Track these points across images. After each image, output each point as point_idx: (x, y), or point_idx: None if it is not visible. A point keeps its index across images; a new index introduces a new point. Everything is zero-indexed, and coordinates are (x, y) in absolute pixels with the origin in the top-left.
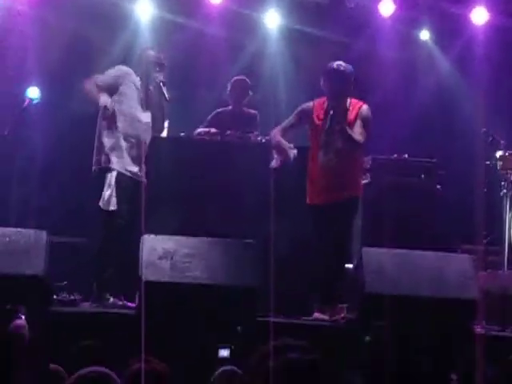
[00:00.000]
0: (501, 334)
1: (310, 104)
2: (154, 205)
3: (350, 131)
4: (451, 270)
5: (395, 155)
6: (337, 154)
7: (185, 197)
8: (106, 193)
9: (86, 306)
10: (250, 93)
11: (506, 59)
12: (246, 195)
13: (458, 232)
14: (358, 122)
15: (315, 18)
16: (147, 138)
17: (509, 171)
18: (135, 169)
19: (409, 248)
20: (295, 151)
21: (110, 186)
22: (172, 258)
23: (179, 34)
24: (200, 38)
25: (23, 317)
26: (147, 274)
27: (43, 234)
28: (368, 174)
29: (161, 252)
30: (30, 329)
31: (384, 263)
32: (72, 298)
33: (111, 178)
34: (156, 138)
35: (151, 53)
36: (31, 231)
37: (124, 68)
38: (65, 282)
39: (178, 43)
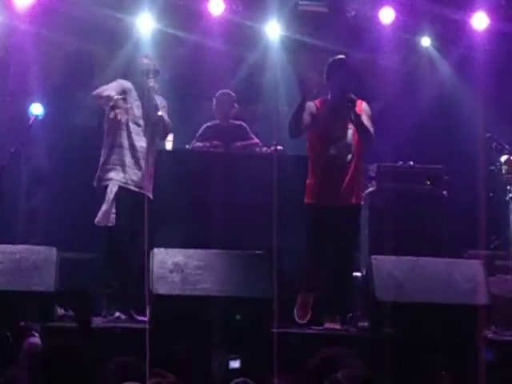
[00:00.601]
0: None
1: (311, 103)
2: (160, 218)
3: (365, 122)
4: (461, 275)
5: (400, 162)
6: (349, 148)
7: (190, 209)
8: (102, 209)
9: (97, 322)
10: (236, 105)
11: (508, 64)
12: (251, 206)
13: (465, 237)
14: (365, 117)
15: (315, 28)
16: (152, 152)
17: None
18: (139, 183)
19: (416, 255)
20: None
21: (107, 201)
22: (182, 271)
23: (180, 48)
24: (201, 50)
25: (37, 334)
26: (158, 288)
27: (53, 251)
28: (374, 182)
29: (171, 265)
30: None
31: (394, 271)
32: None
33: (110, 193)
34: (160, 151)
35: (144, 60)
36: (41, 248)
37: (125, 83)
38: None
39: (179, 56)
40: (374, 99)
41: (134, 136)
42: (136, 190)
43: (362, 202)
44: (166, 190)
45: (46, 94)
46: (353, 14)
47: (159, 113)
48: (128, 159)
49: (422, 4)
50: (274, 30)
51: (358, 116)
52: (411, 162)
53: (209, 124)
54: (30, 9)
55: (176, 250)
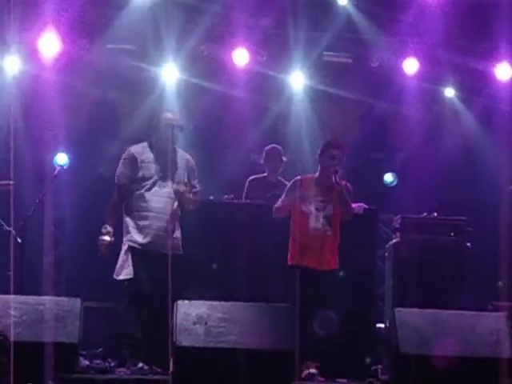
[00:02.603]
0: None
1: (298, 177)
2: (186, 269)
3: (346, 194)
4: (484, 328)
5: (425, 213)
6: (328, 220)
7: (216, 261)
8: (118, 263)
9: (121, 373)
10: (284, 159)
11: None
12: (278, 258)
13: (489, 289)
14: None
15: (340, 78)
16: (169, 207)
17: None
18: (152, 241)
19: (440, 306)
20: None
21: (121, 257)
22: (206, 323)
23: (205, 97)
24: (226, 100)
25: None
26: (181, 340)
27: (77, 302)
28: (398, 233)
29: (195, 317)
30: None
31: (417, 323)
32: (106, 364)
33: (122, 250)
34: None
35: (168, 115)
36: (65, 299)
37: (132, 150)
38: (100, 349)
39: (203, 106)
40: (398, 149)
41: (141, 198)
42: (147, 248)
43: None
44: (192, 242)
45: (71, 143)
46: (377, 64)
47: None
48: (134, 222)
49: (445, 55)
50: (298, 80)
51: (342, 191)
52: (435, 214)
53: (252, 177)
54: (57, 59)
55: (200, 302)
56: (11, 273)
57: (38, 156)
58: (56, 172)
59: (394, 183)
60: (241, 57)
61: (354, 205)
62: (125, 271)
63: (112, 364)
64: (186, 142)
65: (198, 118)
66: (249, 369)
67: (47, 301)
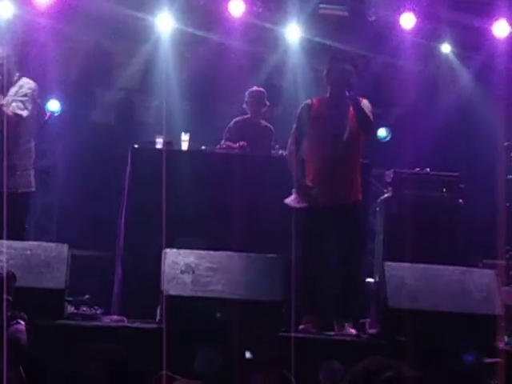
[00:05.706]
0: None
1: (308, 101)
2: (174, 218)
3: (363, 107)
4: (474, 284)
5: (417, 169)
6: (347, 147)
7: (205, 210)
8: None
9: (107, 320)
10: (267, 103)
11: None
12: (267, 209)
13: (480, 246)
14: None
15: (336, 31)
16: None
17: None
18: None
19: (430, 262)
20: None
21: None
22: (194, 272)
23: (199, 48)
24: (221, 51)
25: (23, 322)
26: (169, 288)
27: (64, 248)
28: (390, 188)
29: (182, 266)
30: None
31: (406, 278)
32: (93, 311)
33: None
34: (176, 151)
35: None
36: (52, 245)
37: None
38: (86, 296)
39: (198, 56)
40: (393, 104)
41: None
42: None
43: (360, 198)
44: (181, 191)
45: (64, 90)
46: (373, 18)
47: None
48: None
49: (442, 11)
50: (294, 33)
51: (357, 104)
52: (428, 169)
53: (237, 119)
54: (51, 5)
55: (188, 251)
56: None
57: None
58: (46, 118)
59: (388, 138)
60: (237, 7)
61: None
62: None
63: (98, 311)
64: (180, 92)
65: (193, 68)
66: (236, 319)
67: (34, 246)
